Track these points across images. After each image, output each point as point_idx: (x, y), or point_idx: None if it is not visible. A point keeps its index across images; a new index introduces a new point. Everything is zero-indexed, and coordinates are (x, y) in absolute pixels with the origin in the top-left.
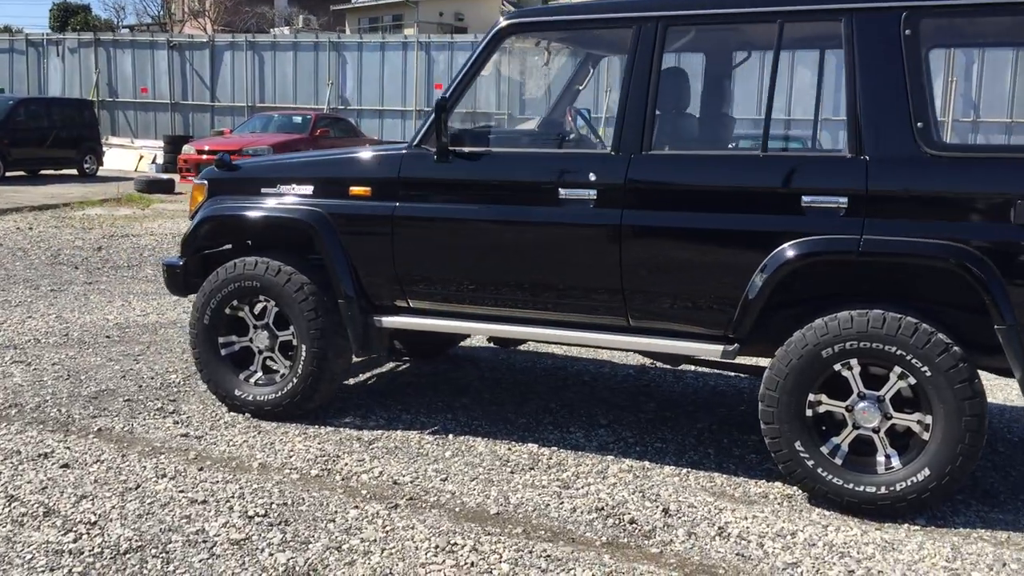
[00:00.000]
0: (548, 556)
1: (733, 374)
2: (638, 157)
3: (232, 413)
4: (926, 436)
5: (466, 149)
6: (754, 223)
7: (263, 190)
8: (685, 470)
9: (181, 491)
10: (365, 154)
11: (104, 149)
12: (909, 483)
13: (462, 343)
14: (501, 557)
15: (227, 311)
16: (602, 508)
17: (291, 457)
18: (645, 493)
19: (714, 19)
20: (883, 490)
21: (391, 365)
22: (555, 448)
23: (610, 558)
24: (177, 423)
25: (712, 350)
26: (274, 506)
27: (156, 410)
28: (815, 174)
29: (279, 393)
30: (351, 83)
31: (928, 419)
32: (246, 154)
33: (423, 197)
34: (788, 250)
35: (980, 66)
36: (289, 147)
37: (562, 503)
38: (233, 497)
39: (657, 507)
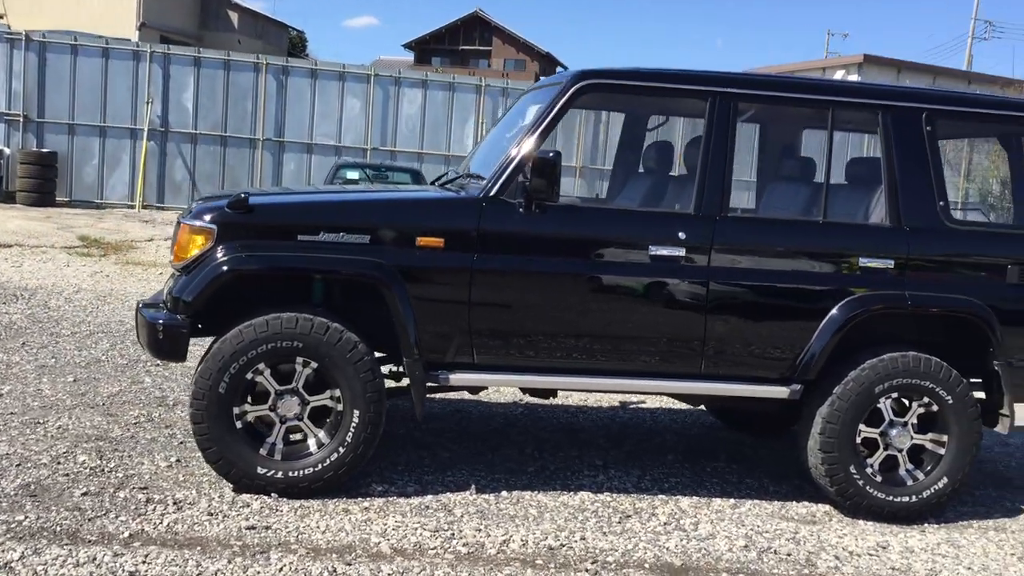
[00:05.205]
0: None
1: (633, 407)
2: (721, 219)
3: (246, 494)
4: (941, 451)
5: (549, 203)
6: (823, 280)
7: (301, 237)
8: (731, 500)
9: None
10: (429, 201)
11: None
12: (932, 491)
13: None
14: None
15: (248, 376)
16: (747, 546)
17: (407, 536)
18: (745, 525)
19: (777, 100)
20: (914, 499)
21: None
22: (634, 495)
23: None
24: (212, 514)
25: (779, 391)
26: None
27: (146, 501)
28: (869, 240)
29: (320, 466)
30: None
31: (943, 437)
32: None
33: (506, 249)
34: (855, 303)
35: None
36: None
37: (725, 545)
38: None
39: (780, 537)
